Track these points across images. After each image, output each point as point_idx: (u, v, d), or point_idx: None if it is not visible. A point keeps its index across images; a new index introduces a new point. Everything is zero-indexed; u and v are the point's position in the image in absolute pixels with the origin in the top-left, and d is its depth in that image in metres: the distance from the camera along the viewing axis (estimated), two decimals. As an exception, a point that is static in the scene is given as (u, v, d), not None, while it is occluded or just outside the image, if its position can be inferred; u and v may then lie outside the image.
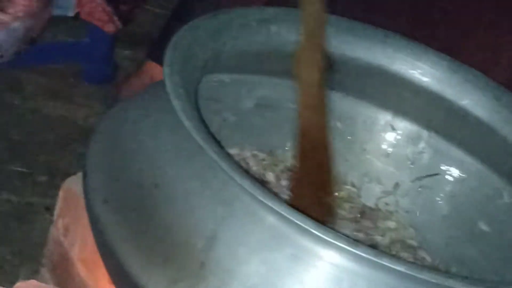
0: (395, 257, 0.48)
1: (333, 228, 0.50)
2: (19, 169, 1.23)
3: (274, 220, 0.52)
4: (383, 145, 0.81)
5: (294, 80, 0.72)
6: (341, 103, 0.81)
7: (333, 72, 0.74)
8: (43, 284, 0.73)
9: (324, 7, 0.70)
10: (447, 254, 0.76)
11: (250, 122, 0.81)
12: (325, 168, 0.73)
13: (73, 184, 0.77)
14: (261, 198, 0.51)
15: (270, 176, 0.78)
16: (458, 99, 0.75)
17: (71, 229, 0.77)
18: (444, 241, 0.77)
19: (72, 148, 1.29)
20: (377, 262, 0.48)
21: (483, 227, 0.74)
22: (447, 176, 0.78)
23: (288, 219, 0.50)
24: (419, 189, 0.79)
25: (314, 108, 0.72)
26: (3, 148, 1.26)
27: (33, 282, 0.72)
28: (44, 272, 0.83)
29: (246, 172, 0.54)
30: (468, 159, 0.77)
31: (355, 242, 0.49)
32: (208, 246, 0.54)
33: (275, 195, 0.53)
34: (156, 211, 0.58)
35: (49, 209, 1.13)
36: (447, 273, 0.49)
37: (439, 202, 0.78)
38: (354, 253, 0.49)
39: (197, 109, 0.63)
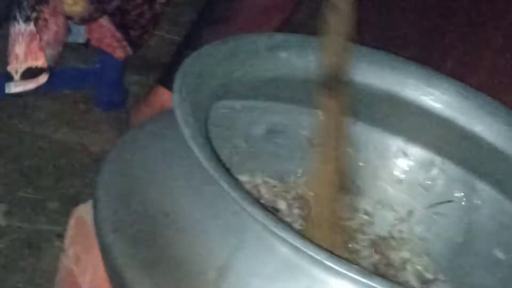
0: (410, 289, 0.47)
1: (347, 260, 0.50)
2: (30, 195, 1.23)
3: (287, 251, 0.52)
4: (396, 172, 0.81)
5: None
6: (353, 129, 0.81)
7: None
8: (54, 314, 0.73)
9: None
10: (464, 283, 0.75)
11: (261, 148, 0.80)
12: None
13: (84, 212, 0.77)
14: (273, 229, 0.50)
15: (281, 204, 0.78)
16: (470, 125, 0.74)
17: (82, 258, 0.77)
18: (460, 269, 0.76)
19: (83, 175, 1.29)
20: (392, 293, 0.47)
21: (499, 255, 0.73)
22: (461, 203, 0.77)
23: (302, 250, 0.49)
24: (434, 216, 0.79)
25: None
26: (14, 174, 1.26)
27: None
28: (55, 301, 0.82)
29: (258, 201, 0.53)
30: (482, 186, 0.76)
31: (370, 273, 0.48)
32: (220, 277, 0.53)
33: (288, 225, 0.52)
34: (167, 241, 0.57)
35: (61, 236, 1.12)
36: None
37: (454, 229, 0.77)
38: (369, 285, 0.48)
39: (208, 137, 0.63)
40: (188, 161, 0.58)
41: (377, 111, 0.79)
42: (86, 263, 0.76)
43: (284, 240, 0.50)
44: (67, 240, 0.80)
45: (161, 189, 0.61)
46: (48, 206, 1.22)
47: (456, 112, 0.75)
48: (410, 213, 0.80)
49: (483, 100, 0.75)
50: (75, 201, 1.07)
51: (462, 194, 0.77)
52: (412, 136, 0.79)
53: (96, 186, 0.66)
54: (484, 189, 0.76)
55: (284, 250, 0.52)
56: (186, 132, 0.57)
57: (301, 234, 0.51)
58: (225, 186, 0.53)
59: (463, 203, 0.77)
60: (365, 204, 0.81)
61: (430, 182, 0.79)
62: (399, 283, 0.47)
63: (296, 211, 0.78)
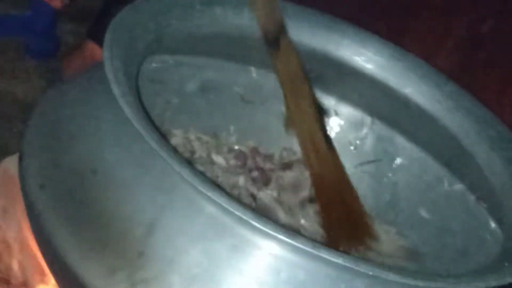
0: (333, 249, 0.48)
1: (273, 219, 0.50)
2: (-44, 145, 1.20)
3: (214, 210, 0.52)
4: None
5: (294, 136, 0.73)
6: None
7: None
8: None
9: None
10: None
11: (194, 104, 0.80)
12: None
13: (11, 165, 0.76)
14: (200, 188, 0.50)
15: (218, 158, 0.78)
16: (400, 87, 0.75)
17: (8, 211, 0.76)
18: (386, 227, 0.77)
19: (11, 125, 1.25)
20: (315, 254, 0.48)
21: (424, 214, 0.75)
22: (389, 163, 0.79)
23: (228, 209, 0.50)
24: (362, 174, 0.80)
25: (322, 156, 0.72)
26: None
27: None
28: (-19, 253, 0.81)
29: (186, 160, 0.53)
30: (410, 147, 0.77)
31: (294, 233, 0.48)
32: (147, 235, 0.53)
33: (215, 184, 0.52)
34: (94, 198, 0.57)
35: (-12, 187, 1.10)
36: (383, 265, 0.49)
37: (381, 188, 0.79)
38: (293, 244, 0.48)
39: (138, 93, 0.62)
40: (118, 118, 0.57)
41: (310, 70, 0.79)
42: (12, 216, 0.75)
43: (210, 199, 0.50)
44: (-7, 193, 0.78)
45: (90, 146, 0.60)
46: (-26, 155, 1.19)
47: (387, 74, 0.76)
48: (340, 171, 0.81)
49: (414, 62, 0.76)
50: (3, 151, 1.05)
51: (390, 153, 0.79)
52: (344, 95, 0.80)
53: (22, 140, 0.65)
54: (412, 149, 0.77)
55: (211, 209, 0.52)
56: (116, 89, 0.56)
57: (227, 193, 0.51)
58: (154, 144, 0.53)
59: (391, 162, 0.79)
60: (296, 161, 0.82)
61: (359, 142, 0.80)
62: (322, 243, 0.48)
63: (232, 162, 0.78)
